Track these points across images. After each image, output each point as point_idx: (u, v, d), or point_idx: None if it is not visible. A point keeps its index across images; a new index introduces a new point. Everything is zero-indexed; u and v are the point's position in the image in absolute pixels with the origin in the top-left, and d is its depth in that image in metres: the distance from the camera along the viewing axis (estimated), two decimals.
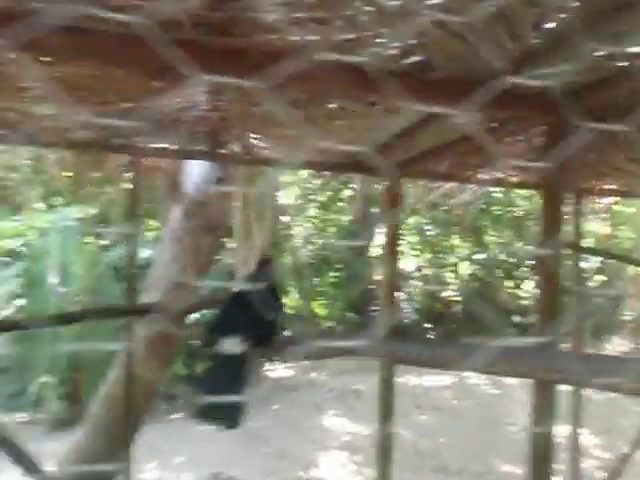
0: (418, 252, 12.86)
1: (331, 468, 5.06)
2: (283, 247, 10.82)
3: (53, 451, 4.15)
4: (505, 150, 2.66)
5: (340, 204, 11.78)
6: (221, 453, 5.27)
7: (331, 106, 2.07)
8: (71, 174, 6.84)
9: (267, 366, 9.08)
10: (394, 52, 1.68)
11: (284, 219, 10.71)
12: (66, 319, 3.49)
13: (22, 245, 7.14)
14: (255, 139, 2.68)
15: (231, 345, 1.58)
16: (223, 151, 2.84)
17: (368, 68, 1.74)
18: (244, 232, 8.04)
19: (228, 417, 1.57)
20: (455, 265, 13.03)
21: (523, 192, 9.90)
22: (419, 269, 12.89)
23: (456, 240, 13.00)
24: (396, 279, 3.20)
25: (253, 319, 1.60)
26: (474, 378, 7.75)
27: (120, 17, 1.45)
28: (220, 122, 2.28)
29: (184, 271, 3.25)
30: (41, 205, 8.58)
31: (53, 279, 3.70)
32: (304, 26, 1.49)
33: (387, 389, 3.15)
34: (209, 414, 1.61)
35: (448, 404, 6.75)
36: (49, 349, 5.47)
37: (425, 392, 7.00)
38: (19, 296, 6.38)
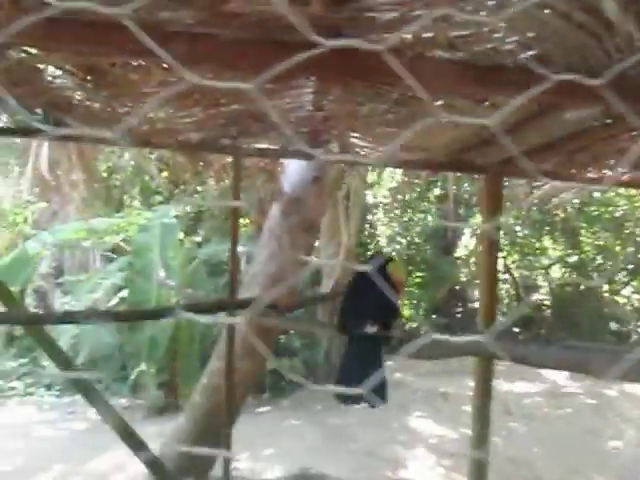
0: (506, 253, 12.43)
1: (419, 470, 5.00)
2: (369, 246, 10.81)
3: (151, 435, 4.38)
4: (619, 147, 2.51)
5: (426, 204, 11.61)
6: (309, 448, 5.34)
7: (437, 103, 2.05)
8: (169, 174, 7.20)
9: None
10: (510, 47, 1.63)
11: (370, 218, 10.70)
12: (167, 313, 3.66)
13: (122, 241, 7.60)
14: (354, 138, 2.69)
15: (368, 328, 1.65)
16: (321, 150, 2.88)
17: (480, 63, 1.71)
18: (331, 230, 8.11)
19: (374, 394, 1.61)
20: (546, 267, 12.48)
21: (623, 191, 9.29)
22: (507, 271, 12.45)
23: (547, 241, 12.45)
24: (494, 279, 3.11)
25: (377, 304, 1.65)
26: (569, 387, 7.39)
27: (235, 22, 1.52)
28: (323, 122, 2.31)
29: (282, 268, 3.32)
30: (140, 203, 9.10)
31: (160, 273, 3.93)
32: (421, 23, 1.48)
33: (484, 393, 3.07)
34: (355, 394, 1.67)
35: (541, 412, 6.48)
36: (148, 338, 5.77)
37: (516, 398, 6.75)
38: (122, 288, 6.80)
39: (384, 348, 1.70)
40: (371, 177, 10.88)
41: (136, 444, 3.11)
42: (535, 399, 6.85)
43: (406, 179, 10.31)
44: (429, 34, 1.54)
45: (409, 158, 2.95)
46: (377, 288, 1.53)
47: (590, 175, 3.21)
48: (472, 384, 6.94)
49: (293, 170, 3.44)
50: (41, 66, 1.87)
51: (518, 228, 11.78)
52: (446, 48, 1.61)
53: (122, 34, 1.55)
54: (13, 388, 7.63)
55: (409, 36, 1.59)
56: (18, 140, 10.17)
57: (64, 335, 6.17)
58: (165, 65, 1.81)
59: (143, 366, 6.63)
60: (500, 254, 12.22)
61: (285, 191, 3.42)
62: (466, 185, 10.21)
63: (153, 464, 3.21)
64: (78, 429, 5.95)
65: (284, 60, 1.74)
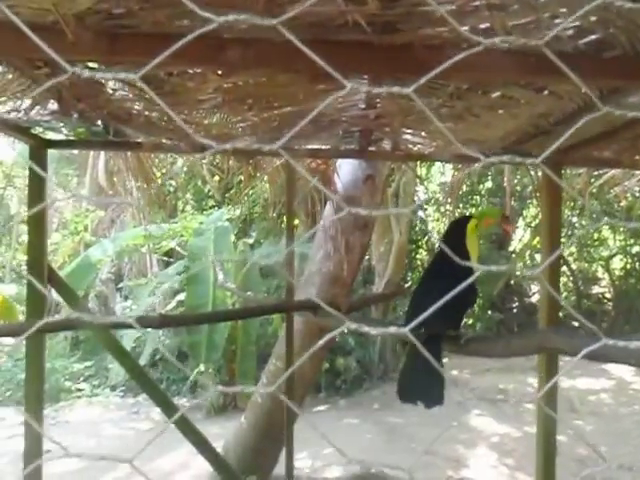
0: (562, 245, 12.05)
1: (482, 469, 4.90)
2: (420, 243, 10.70)
3: (212, 435, 4.47)
4: None
5: (477, 197, 11.38)
6: (368, 447, 5.33)
7: (494, 95, 2.00)
8: (220, 178, 7.33)
9: None
10: (570, 33, 1.58)
11: (422, 214, 10.57)
12: (226, 316, 3.73)
13: (178, 245, 7.81)
14: (407, 134, 2.66)
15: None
16: (373, 148, 2.86)
17: (539, 51, 1.66)
18: (382, 228, 8.06)
19: (432, 394, 1.60)
20: (607, 259, 12.02)
21: None
22: (565, 263, 12.06)
23: (607, 231, 11.99)
24: (557, 273, 3.03)
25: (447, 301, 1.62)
26: (636, 382, 7.09)
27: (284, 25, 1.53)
28: (376, 120, 2.29)
29: (338, 268, 3.32)
30: (194, 208, 9.31)
31: (219, 275, 4.03)
32: (477, 14, 1.45)
33: (549, 390, 2.98)
34: (414, 394, 1.65)
35: (608, 409, 6.24)
36: (206, 340, 5.89)
37: (580, 395, 6.53)
38: (179, 291, 6.98)
39: (453, 347, 1.66)
40: (420, 172, 10.76)
41: (200, 443, 3.18)
42: (600, 396, 6.60)
43: (456, 173, 10.14)
44: (486, 24, 1.50)
45: (465, 153, 2.90)
46: (444, 281, 1.49)
47: None
48: (532, 380, 6.76)
49: (346, 170, 3.45)
50: (102, 80, 1.93)
51: (575, 219, 11.40)
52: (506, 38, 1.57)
53: (184, 44, 1.59)
54: (80, 390, 7.95)
55: (466, 28, 1.56)
56: (76, 152, 10.60)
57: (127, 338, 6.38)
58: (220, 72, 1.85)
59: (202, 367, 6.79)
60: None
61: (338, 191, 3.43)
62: (519, 177, 9.95)
63: (217, 462, 3.28)
64: (143, 428, 6.14)
65: (338, 60, 1.73)
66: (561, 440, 5.29)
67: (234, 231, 7.97)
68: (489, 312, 11.22)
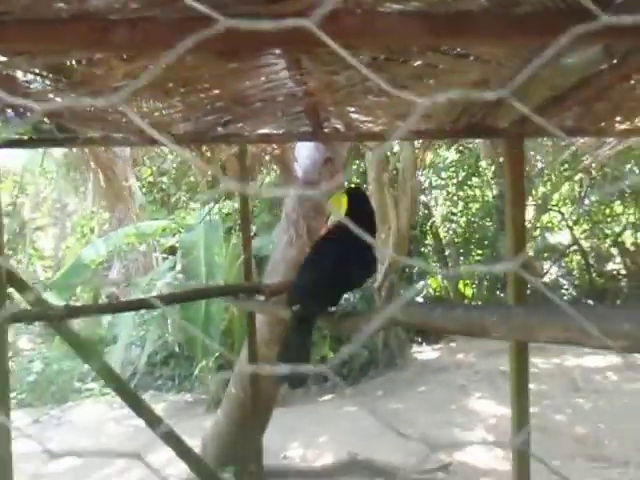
0: (574, 223, 11.83)
1: (476, 452, 4.83)
2: (423, 228, 10.57)
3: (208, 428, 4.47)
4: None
5: (479, 179, 11.18)
6: (365, 434, 5.28)
7: (416, 64, 1.92)
8: (210, 172, 7.30)
9: (414, 348, 8.98)
10: None
11: (425, 199, 10.43)
12: (190, 296, 3.68)
13: (177, 242, 7.85)
14: (355, 113, 2.59)
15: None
16: (326, 130, 2.80)
17: (440, 12, 1.57)
18: (380, 216, 7.96)
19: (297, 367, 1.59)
20: (617, 235, 11.74)
21: None
22: (576, 241, 11.83)
23: (618, 207, 11.71)
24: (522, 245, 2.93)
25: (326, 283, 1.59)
26: None
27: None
28: (308, 97, 2.23)
29: (301, 254, 3.28)
30: (194, 202, 9.34)
31: (200, 271, 4.04)
32: None
33: (519, 370, 2.91)
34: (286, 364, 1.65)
35: (611, 387, 6.09)
36: (202, 334, 5.91)
37: (585, 373, 6.39)
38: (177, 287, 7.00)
39: (328, 323, 1.61)
40: (422, 155, 10.59)
41: (180, 446, 3.17)
42: (606, 374, 6.45)
43: (457, 157, 9.99)
44: None
45: (417, 128, 2.82)
46: (323, 256, 1.44)
47: (623, 127, 2.95)
48: (535, 361, 6.63)
49: (304, 154, 3.39)
50: (12, 72, 1.90)
51: (584, 196, 11.15)
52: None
53: (69, 27, 1.55)
54: (90, 389, 8.07)
55: None
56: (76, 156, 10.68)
57: (123, 334, 6.43)
58: (125, 56, 1.80)
59: (204, 362, 6.82)
60: (568, 224, 11.62)
61: (298, 176, 3.37)
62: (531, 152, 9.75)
63: (194, 462, 3.26)
64: (142, 425, 6.18)
65: (241, 35, 1.66)
66: (560, 420, 5.20)
67: (232, 224, 7.95)
68: (501, 295, 11.05)
